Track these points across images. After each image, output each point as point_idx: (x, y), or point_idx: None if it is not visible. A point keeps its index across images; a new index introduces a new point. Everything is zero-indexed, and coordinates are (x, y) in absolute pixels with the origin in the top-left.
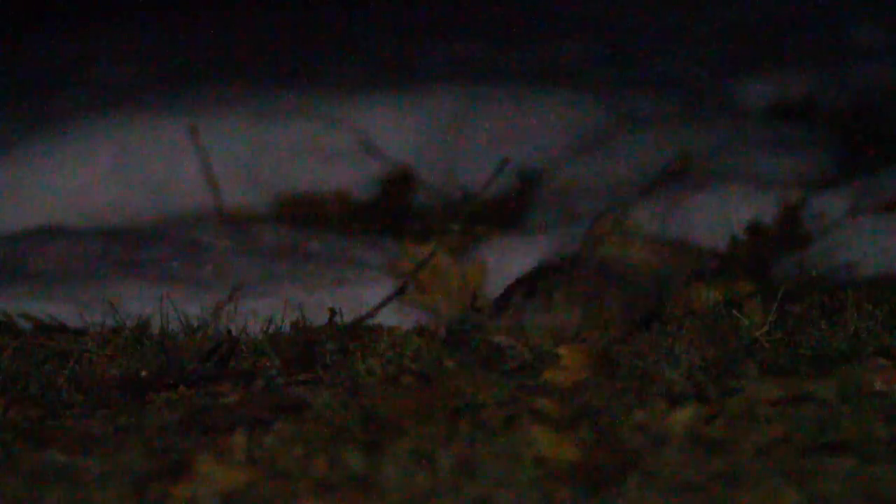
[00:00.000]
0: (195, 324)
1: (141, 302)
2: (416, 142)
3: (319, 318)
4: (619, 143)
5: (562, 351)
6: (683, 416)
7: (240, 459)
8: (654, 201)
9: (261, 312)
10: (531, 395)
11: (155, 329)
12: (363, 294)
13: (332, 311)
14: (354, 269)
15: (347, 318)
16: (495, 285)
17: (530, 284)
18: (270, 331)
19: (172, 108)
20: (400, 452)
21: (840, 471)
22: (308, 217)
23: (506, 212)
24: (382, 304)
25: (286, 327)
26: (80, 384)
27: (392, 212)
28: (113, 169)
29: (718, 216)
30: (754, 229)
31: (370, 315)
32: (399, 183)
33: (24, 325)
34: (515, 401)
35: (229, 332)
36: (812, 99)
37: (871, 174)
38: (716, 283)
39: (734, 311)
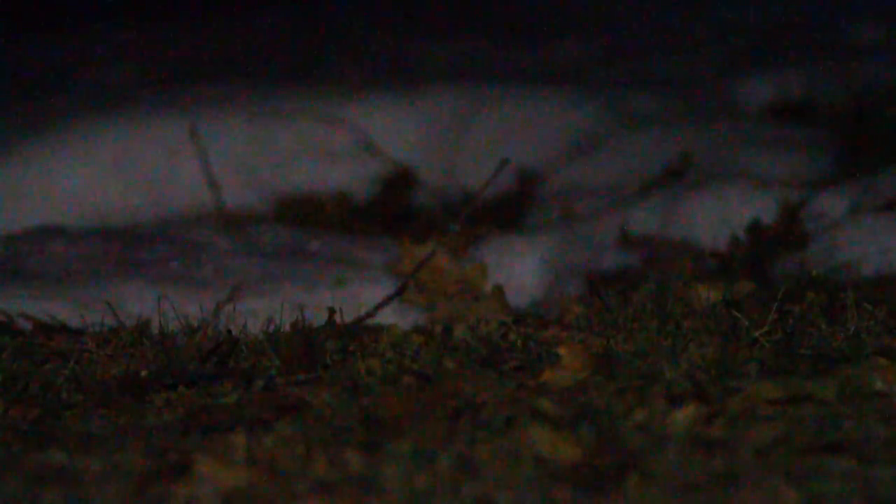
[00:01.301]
0: (195, 324)
1: (141, 302)
2: (416, 142)
3: (319, 318)
4: (619, 143)
5: (562, 351)
6: (683, 416)
7: (240, 459)
8: (654, 201)
9: (261, 312)
10: (531, 395)
11: (155, 329)
12: (363, 294)
13: (332, 311)
14: (354, 269)
15: (347, 318)
16: (495, 285)
17: None
18: (270, 331)
19: (172, 108)
20: (400, 452)
21: (840, 471)
22: (308, 217)
23: (506, 212)
24: (382, 304)
25: (286, 327)
26: (80, 384)
27: (392, 212)
28: (113, 169)
29: (718, 216)
30: (754, 229)
31: (370, 315)
32: (399, 183)
33: (24, 325)
34: (515, 401)
35: (229, 332)
36: (812, 99)
37: (871, 174)
38: (716, 283)
39: (734, 311)
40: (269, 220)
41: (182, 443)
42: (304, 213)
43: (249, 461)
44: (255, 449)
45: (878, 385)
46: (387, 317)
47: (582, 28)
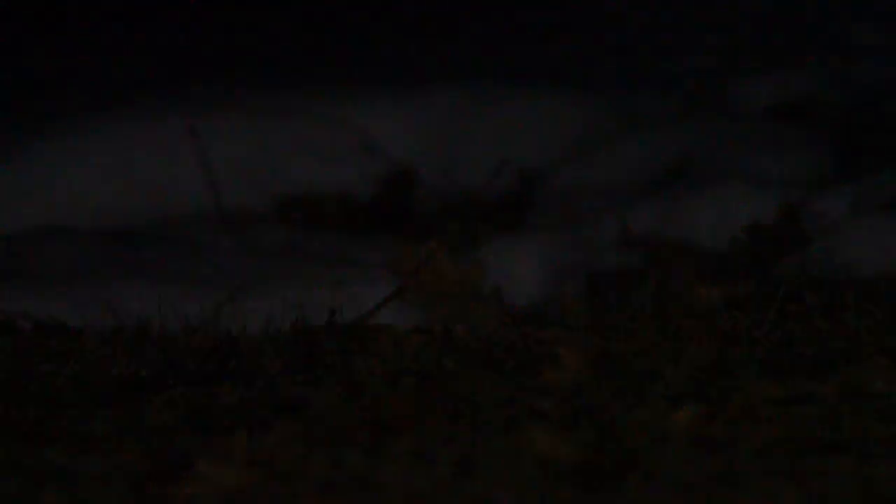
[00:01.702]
0: (195, 324)
1: (141, 302)
2: (416, 142)
3: (319, 318)
4: (619, 143)
5: (562, 351)
6: (683, 416)
7: (240, 459)
8: (654, 201)
9: (261, 312)
10: (531, 395)
11: (155, 329)
12: (363, 294)
13: (332, 311)
14: (354, 269)
15: (347, 318)
16: (495, 285)
17: None
18: (270, 331)
19: (172, 108)
20: (400, 452)
21: (840, 471)
22: (308, 217)
23: (506, 212)
24: (382, 304)
25: (286, 327)
26: (80, 384)
27: (392, 212)
28: (113, 169)
29: (718, 216)
30: (754, 229)
31: (370, 315)
32: (399, 183)
33: (24, 325)
34: (515, 401)
35: (229, 332)
36: (812, 99)
37: (871, 174)
38: (716, 283)
39: (734, 311)
40: (269, 220)
41: (182, 443)
42: (304, 213)
43: (249, 461)
44: (255, 449)
45: (878, 385)
46: (387, 317)
47: (582, 28)
